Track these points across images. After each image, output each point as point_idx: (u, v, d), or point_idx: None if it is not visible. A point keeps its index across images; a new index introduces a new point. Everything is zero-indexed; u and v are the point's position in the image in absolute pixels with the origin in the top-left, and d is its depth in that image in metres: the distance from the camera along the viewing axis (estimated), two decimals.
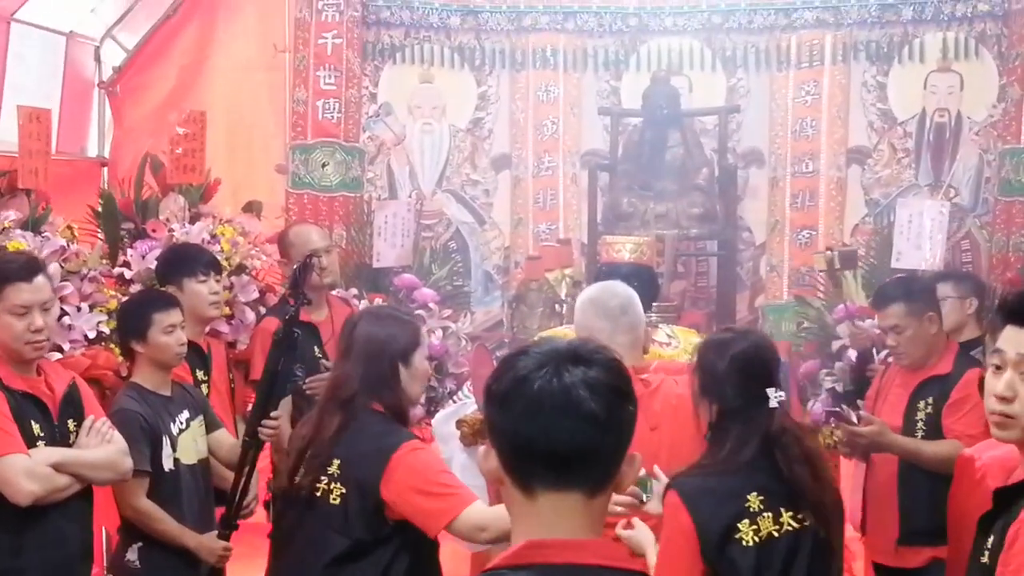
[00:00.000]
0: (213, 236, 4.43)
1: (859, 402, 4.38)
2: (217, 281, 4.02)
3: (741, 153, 5.98)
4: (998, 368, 2.10)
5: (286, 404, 3.71)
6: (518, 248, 6.11)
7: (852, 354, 4.60)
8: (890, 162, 5.89)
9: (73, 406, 3.11)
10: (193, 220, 4.49)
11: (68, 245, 4.01)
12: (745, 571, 2.42)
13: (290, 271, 3.92)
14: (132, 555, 3.36)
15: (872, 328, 4.50)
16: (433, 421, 4.07)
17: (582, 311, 3.22)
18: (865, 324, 4.56)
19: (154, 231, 4.37)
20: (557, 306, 5.24)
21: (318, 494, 2.81)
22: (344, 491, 2.79)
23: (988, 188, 5.67)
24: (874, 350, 4.50)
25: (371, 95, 5.99)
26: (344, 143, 5.69)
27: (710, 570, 2.41)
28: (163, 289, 3.87)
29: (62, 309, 3.68)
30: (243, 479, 3.37)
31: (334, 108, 5.67)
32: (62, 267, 3.87)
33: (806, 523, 2.52)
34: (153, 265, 4.16)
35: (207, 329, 4.12)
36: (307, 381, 4.03)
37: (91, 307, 3.96)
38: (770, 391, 2.52)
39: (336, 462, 2.81)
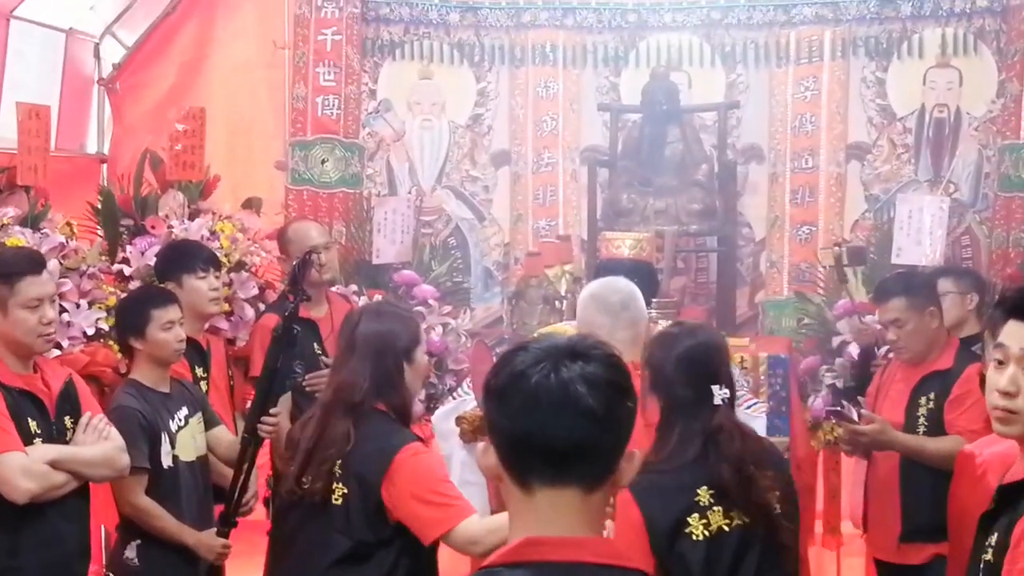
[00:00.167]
0: (212, 232, 4.44)
1: (860, 398, 4.38)
2: (216, 277, 4.02)
3: (741, 149, 5.97)
4: (1000, 363, 2.10)
5: (285, 401, 3.71)
6: (518, 244, 6.10)
7: (853, 350, 4.60)
8: (890, 158, 5.88)
9: (70, 403, 3.11)
10: (192, 217, 4.50)
11: (67, 242, 4.02)
12: (694, 565, 2.42)
13: (289, 268, 3.93)
14: (131, 553, 3.36)
15: (875, 324, 4.50)
16: (433, 418, 4.07)
17: (583, 306, 3.23)
18: (868, 320, 4.57)
19: (153, 228, 4.37)
20: (557, 302, 5.24)
21: (327, 497, 2.80)
22: (346, 491, 2.79)
23: (988, 184, 5.66)
24: (876, 348, 4.51)
25: (370, 91, 5.98)
26: (344, 139, 5.68)
27: (660, 564, 2.41)
28: (162, 286, 3.87)
29: (61, 306, 3.68)
30: (242, 476, 3.37)
31: (333, 104, 5.67)
32: (61, 264, 3.87)
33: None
34: (152, 262, 4.16)
35: (206, 326, 4.13)
36: (307, 378, 4.04)
37: (90, 304, 3.97)
38: (714, 388, 2.54)
39: (338, 462, 2.80)
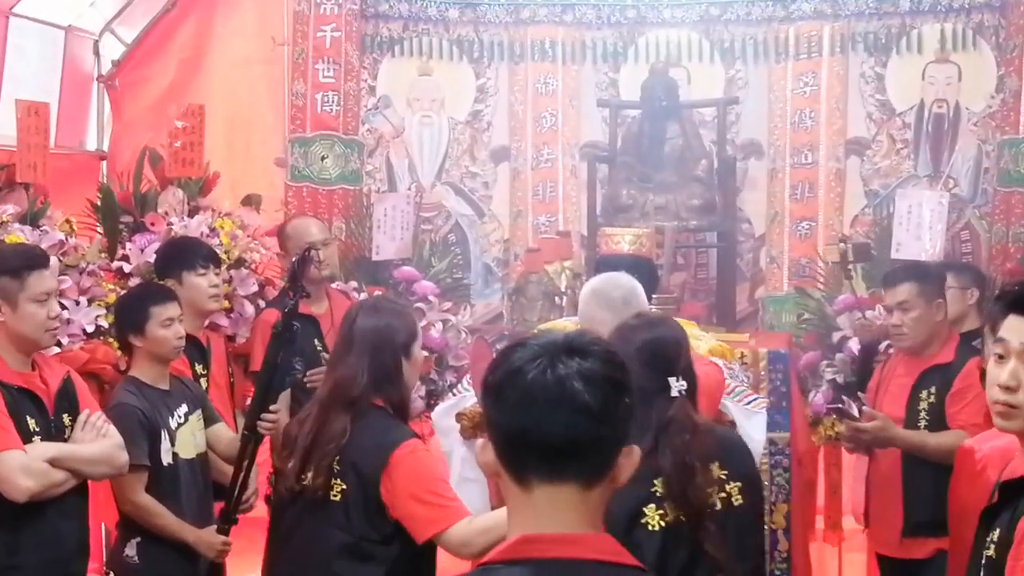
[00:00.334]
0: (212, 229, 4.44)
1: (860, 394, 4.38)
2: (216, 274, 4.02)
3: (740, 144, 5.97)
4: (1000, 357, 2.10)
5: (285, 397, 3.69)
6: (517, 240, 6.10)
7: (853, 345, 4.60)
8: (889, 153, 5.87)
9: (68, 400, 3.11)
10: (192, 213, 4.50)
11: (67, 239, 4.02)
12: (651, 555, 2.42)
13: (288, 264, 3.93)
14: (131, 550, 3.36)
15: (877, 319, 4.50)
16: (433, 414, 4.06)
17: (585, 302, 3.23)
18: (871, 315, 4.56)
19: (153, 225, 4.37)
20: (557, 298, 5.24)
21: (328, 493, 2.80)
22: (344, 487, 2.78)
23: (987, 179, 5.66)
24: (878, 343, 4.50)
25: (370, 88, 5.98)
26: (343, 136, 5.68)
27: None
28: (162, 283, 3.87)
29: (60, 303, 3.68)
30: (242, 473, 3.37)
31: (333, 101, 5.67)
32: (61, 261, 3.87)
33: (716, 508, 2.55)
34: (152, 259, 4.16)
35: (206, 323, 4.13)
36: (308, 374, 4.04)
37: (90, 301, 3.97)
38: (671, 380, 2.55)
39: (336, 457, 2.80)
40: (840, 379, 4.63)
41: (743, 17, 5.96)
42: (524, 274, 5.60)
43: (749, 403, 3.64)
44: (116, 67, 5.93)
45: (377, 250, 5.16)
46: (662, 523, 2.48)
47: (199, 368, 3.96)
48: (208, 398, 3.75)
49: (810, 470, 4.84)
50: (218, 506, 3.51)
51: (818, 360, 4.80)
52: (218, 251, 4.21)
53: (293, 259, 3.62)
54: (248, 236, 4.64)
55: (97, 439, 3.08)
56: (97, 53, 5.89)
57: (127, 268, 4.24)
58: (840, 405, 4.37)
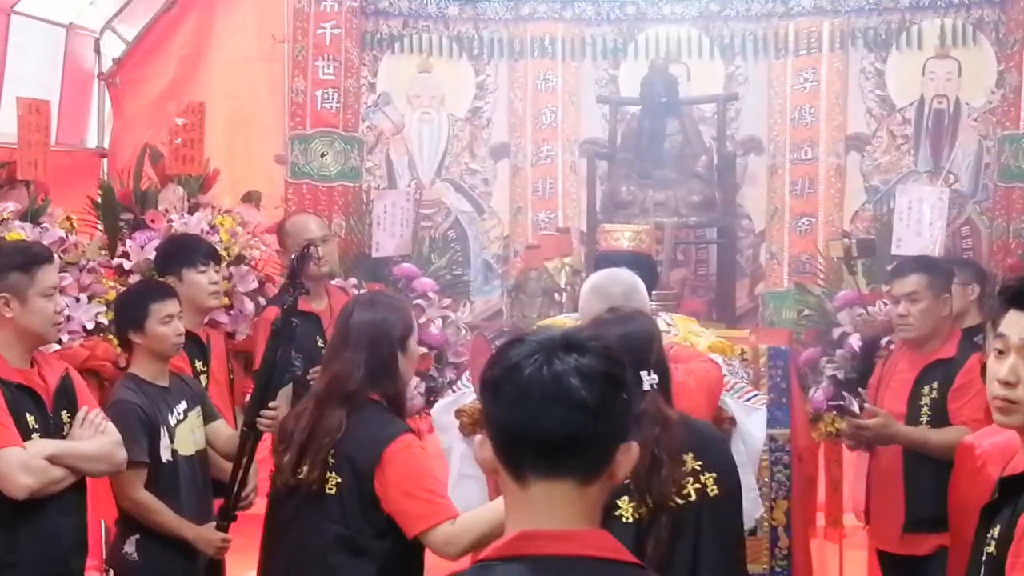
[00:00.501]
0: (212, 226, 4.44)
1: (861, 390, 4.37)
2: (216, 271, 4.03)
3: (740, 141, 5.96)
4: (1001, 353, 2.11)
5: (285, 394, 3.71)
6: (517, 237, 6.10)
7: (854, 341, 4.59)
8: (889, 149, 5.87)
9: (67, 397, 3.12)
10: (192, 210, 4.50)
11: (67, 236, 4.03)
12: (626, 547, 2.42)
13: (288, 261, 3.93)
14: (130, 547, 3.37)
15: (879, 315, 4.50)
16: (432, 411, 4.06)
17: (585, 298, 3.23)
18: (873, 311, 4.56)
19: (153, 222, 4.38)
20: (556, 295, 5.25)
21: (323, 487, 2.81)
22: (339, 480, 2.79)
23: (987, 174, 5.65)
24: (880, 339, 4.50)
25: (370, 85, 5.98)
26: (343, 133, 5.69)
27: None
28: (162, 279, 3.88)
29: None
30: (241, 470, 3.38)
31: (333, 98, 5.67)
32: (61, 258, 3.87)
33: (691, 499, 2.55)
34: (152, 256, 4.17)
35: (206, 319, 4.13)
36: (310, 372, 4.03)
37: (90, 298, 3.98)
38: (643, 374, 2.55)
39: (331, 451, 2.81)
40: (840, 375, 4.63)
41: (743, 13, 5.96)
42: (524, 271, 5.61)
43: (749, 399, 3.64)
44: (117, 65, 5.94)
45: (377, 247, 5.16)
46: (635, 515, 2.50)
47: (199, 365, 3.96)
48: (207, 395, 3.75)
49: (810, 466, 4.84)
50: (217, 503, 3.51)
51: (818, 356, 4.80)
52: (218, 248, 4.21)
53: (292, 256, 3.62)
54: (248, 233, 4.64)
55: (96, 436, 3.08)
56: (98, 51, 5.90)
57: (127, 265, 4.25)
58: (841, 402, 4.37)
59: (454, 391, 3.98)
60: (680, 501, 2.53)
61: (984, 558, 2.04)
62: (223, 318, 4.34)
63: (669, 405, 2.63)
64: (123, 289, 3.96)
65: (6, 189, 4.10)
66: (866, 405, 3.97)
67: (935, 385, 3.84)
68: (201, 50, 6.01)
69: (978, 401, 3.54)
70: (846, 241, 4.99)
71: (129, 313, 3.49)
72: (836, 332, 4.74)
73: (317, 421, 2.84)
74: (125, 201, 4.49)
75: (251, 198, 4.92)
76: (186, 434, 3.46)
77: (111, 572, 3.53)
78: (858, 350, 4.56)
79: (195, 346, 3.94)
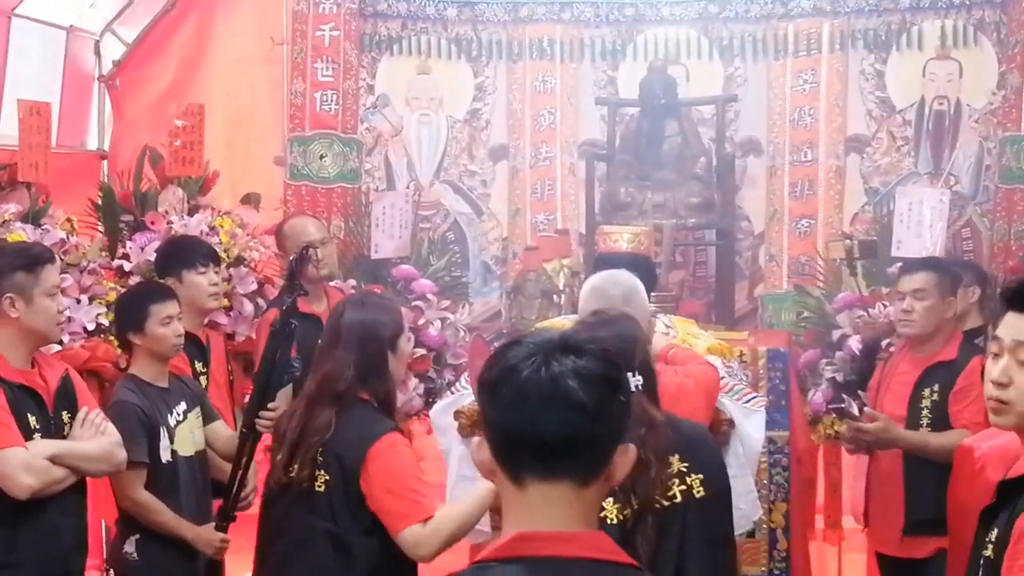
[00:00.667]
0: (212, 228, 4.45)
1: (860, 392, 4.37)
2: (216, 273, 4.03)
3: (739, 142, 5.97)
4: (996, 355, 2.12)
5: (285, 395, 3.70)
6: (516, 239, 6.11)
7: (853, 343, 4.59)
8: (889, 150, 5.87)
9: (67, 398, 3.13)
10: (192, 212, 4.51)
11: (68, 238, 4.04)
12: None
13: (287, 264, 3.94)
14: (130, 547, 3.38)
15: (880, 317, 4.50)
16: (431, 412, 4.06)
17: (584, 299, 3.23)
18: (875, 313, 4.56)
19: (153, 223, 4.39)
20: (555, 296, 5.25)
21: (313, 484, 2.84)
22: (328, 478, 2.83)
23: (988, 176, 5.65)
24: (880, 341, 4.50)
25: (368, 87, 5.99)
26: (342, 135, 5.69)
27: None
28: (162, 281, 3.88)
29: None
30: (241, 471, 3.38)
31: (332, 100, 5.67)
32: (62, 259, 3.88)
33: (676, 500, 2.55)
34: (152, 257, 4.17)
35: (206, 321, 4.14)
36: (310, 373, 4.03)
37: (90, 299, 3.99)
38: (628, 375, 2.55)
39: (320, 449, 2.84)
40: (839, 377, 4.62)
41: (742, 14, 5.96)
42: (522, 272, 5.61)
43: (748, 401, 3.64)
44: (117, 67, 5.94)
45: (376, 248, 5.16)
46: (620, 516, 2.50)
47: (199, 366, 3.97)
48: (207, 396, 3.76)
49: (809, 469, 4.84)
50: (217, 503, 3.52)
51: (817, 358, 4.79)
52: (218, 249, 4.21)
53: (291, 258, 3.62)
54: (247, 235, 4.65)
55: (96, 436, 3.10)
56: (98, 53, 5.90)
57: (127, 266, 4.25)
58: (841, 404, 4.36)
59: (453, 393, 3.98)
60: (665, 503, 2.53)
61: (982, 561, 2.04)
62: (223, 319, 4.35)
63: (655, 406, 2.63)
64: (123, 290, 3.97)
65: (7, 191, 4.11)
66: (866, 409, 3.96)
67: (936, 388, 3.84)
68: (200, 52, 6.01)
69: (979, 404, 3.51)
70: (847, 242, 4.98)
71: (129, 314, 3.49)
72: (835, 334, 4.74)
73: (308, 420, 2.87)
74: (125, 203, 4.49)
75: (250, 200, 4.92)
76: (186, 435, 3.47)
77: (111, 572, 3.54)
78: (858, 352, 4.56)
79: (195, 347, 3.94)
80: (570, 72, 6.11)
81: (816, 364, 4.79)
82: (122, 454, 3.15)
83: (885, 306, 4.52)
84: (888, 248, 4.88)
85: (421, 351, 4.77)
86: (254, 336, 4.39)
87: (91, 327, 3.93)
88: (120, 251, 4.33)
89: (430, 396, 4.75)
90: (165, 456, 3.38)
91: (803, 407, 4.74)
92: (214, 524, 3.46)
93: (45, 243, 3.76)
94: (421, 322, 4.81)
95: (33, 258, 3.10)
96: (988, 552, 2.02)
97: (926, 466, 3.74)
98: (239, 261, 4.50)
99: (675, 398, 3.09)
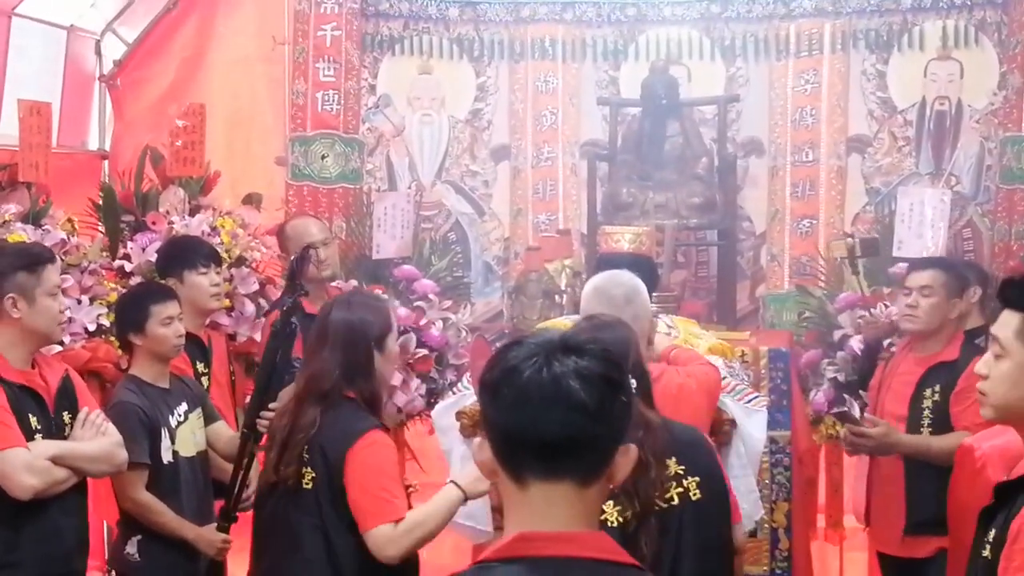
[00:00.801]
0: (213, 228, 4.44)
1: (862, 392, 4.37)
2: (217, 273, 4.03)
3: (741, 142, 5.96)
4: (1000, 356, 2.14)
5: (286, 395, 3.71)
6: (518, 239, 6.11)
7: (855, 343, 4.59)
8: (890, 150, 5.87)
9: (68, 398, 3.13)
10: (193, 212, 4.50)
11: (69, 238, 4.04)
12: None
13: (288, 264, 3.93)
14: (132, 548, 3.38)
15: (882, 317, 4.49)
16: (433, 413, 4.06)
17: (586, 300, 3.23)
18: (877, 313, 4.55)
19: (154, 224, 4.38)
20: (557, 297, 5.25)
21: (300, 481, 2.87)
22: (314, 475, 2.85)
23: (989, 176, 5.65)
24: (882, 341, 4.50)
25: (370, 87, 5.99)
26: (343, 135, 5.69)
27: None
28: (163, 282, 3.88)
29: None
30: (242, 471, 3.38)
31: (333, 100, 5.67)
32: (63, 260, 3.88)
33: (673, 503, 2.55)
34: (153, 258, 4.17)
35: (207, 321, 4.13)
36: None
37: (91, 300, 3.99)
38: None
39: (306, 446, 2.87)
40: (841, 377, 4.62)
41: (744, 15, 5.96)
42: (524, 272, 5.61)
43: (750, 401, 3.64)
44: (117, 67, 5.94)
45: (377, 249, 5.16)
46: (620, 519, 2.50)
47: (200, 367, 3.97)
48: (208, 396, 3.76)
49: (811, 468, 4.84)
50: (218, 504, 3.52)
51: (819, 358, 4.79)
52: (219, 250, 4.21)
53: (291, 258, 3.63)
54: (249, 235, 4.65)
55: (97, 437, 3.10)
56: (99, 53, 5.90)
57: (128, 267, 4.25)
58: (843, 408, 4.35)
59: (455, 393, 3.99)
60: (663, 505, 2.53)
61: (980, 562, 2.05)
62: (224, 320, 4.35)
63: (651, 409, 2.63)
64: (124, 291, 3.96)
65: (8, 191, 4.10)
66: (866, 416, 3.96)
67: (937, 388, 3.83)
68: (202, 52, 6.01)
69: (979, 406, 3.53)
70: (849, 240, 4.98)
71: (129, 315, 3.49)
72: (837, 334, 4.73)
73: (296, 419, 2.90)
74: (126, 203, 4.49)
75: (252, 200, 4.92)
76: (187, 435, 3.47)
77: (113, 573, 3.54)
78: (859, 352, 4.55)
79: (196, 348, 3.94)
80: (572, 72, 6.11)
81: (818, 364, 4.79)
82: (123, 455, 3.15)
83: (886, 306, 4.52)
84: (889, 248, 4.88)
85: (423, 351, 4.77)
86: (256, 337, 4.39)
87: (92, 328, 3.93)
88: (121, 251, 4.33)
89: (432, 396, 4.75)
90: (166, 457, 3.38)
91: (805, 407, 4.74)
92: (216, 525, 3.45)
93: (46, 243, 3.76)
94: (423, 322, 4.81)
95: (34, 258, 3.10)
96: (986, 553, 2.02)
97: (927, 466, 3.74)
98: (240, 261, 4.50)
99: (677, 398, 3.09)
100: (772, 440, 4.35)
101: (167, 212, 4.44)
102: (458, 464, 3.63)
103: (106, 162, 5.84)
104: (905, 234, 4.84)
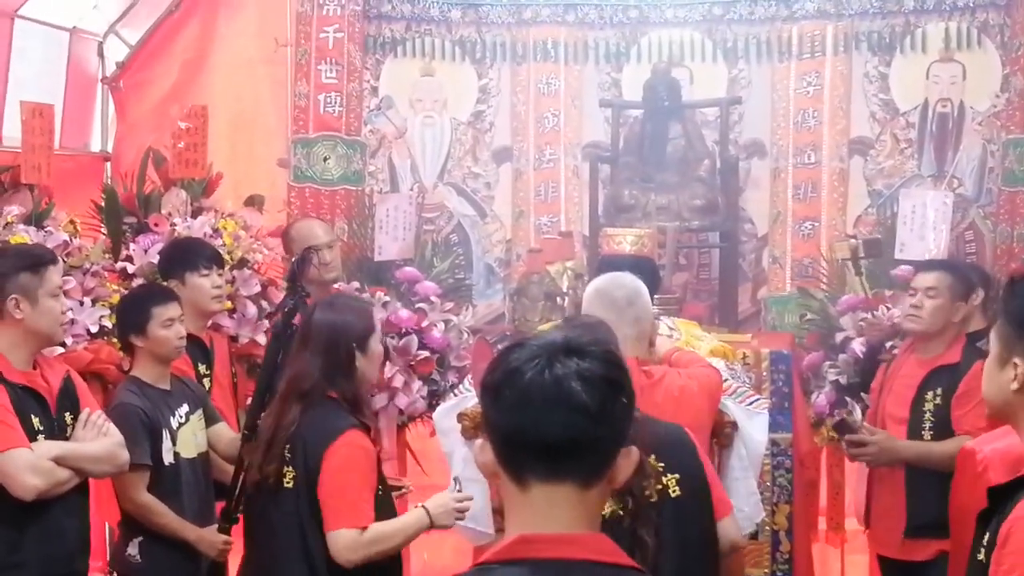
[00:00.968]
0: (215, 230, 4.44)
1: (863, 395, 4.37)
2: (219, 275, 4.03)
3: (743, 144, 5.96)
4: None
5: None
6: (519, 241, 6.11)
7: (856, 346, 4.58)
8: (893, 153, 5.86)
9: (69, 399, 3.13)
10: (195, 214, 4.50)
11: (71, 240, 4.04)
12: None
13: (289, 266, 3.94)
14: (133, 549, 3.38)
15: (883, 319, 4.49)
16: (435, 415, 4.06)
17: (588, 302, 3.23)
18: (879, 315, 4.55)
19: (156, 225, 4.38)
20: (559, 299, 5.24)
21: (280, 480, 2.92)
22: (294, 473, 2.90)
23: (992, 178, 5.65)
24: (884, 344, 4.49)
25: (372, 89, 5.99)
26: (345, 137, 5.69)
27: None
28: (166, 283, 3.88)
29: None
30: (243, 472, 3.38)
31: (335, 102, 5.67)
32: (65, 261, 3.88)
33: (652, 500, 2.56)
34: (155, 259, 4.17)
35: (209, 323, 4.14)
36: None
37: (93, 301, 3.98)
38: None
39: (287, 446, 2.92)
40: (843, 380, 4.62)
41: (746, 16, 5.96)
42: (526, 274, 5.60)
43: (751, 404, 3.64)
44: (120, 69, 5.95)
45: (379, 251, 5.16)
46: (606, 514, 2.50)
47: (202, 368, 3.97)
48: (209, 398, 3.76)
49: (812, 471, 4.84)
50: (219, 505, 3.51)
51: (821, 361, 4.79)
52: (221, 252, 4.21)
53: (292, 260, 3.64)
54: (251, 237, 4.65)
55: (98, 437, 3.10)
56: (101, 55, 5.91)
57: (131, 269, 4.25)
58: (843, 416, 4.35)
59: (456, 395, 3.99)
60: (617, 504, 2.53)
61: (976, 565, 2.05)
62: (226, 322, 4.35)
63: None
64: (126, 293, 3.97)
65: (10, 193, 4.10)
66: (865, 426, 3.96)
67: (939, 391, 3.83)
68: (204, 54, 6.01)
69: (981, 409, 3.48)
70: (853, 241, 4.98)
71: (130, 317, 3.50)
72: (839, 336, 4.73)
73: (279, 419, 2.95)
74: (128, 205, 4.49)
75: (254, 202, 4.92)
76: (188, 437, 3.47)
77: (115, 574, 3.54)
78: (861, 355, 4.55)
79: (199, 350, 3.95)
80: (574, 74, 6.10)
81: (819, 366, 4.79)
82: (125, 455, 3.16)
83: (888, 308, 4.51)
84: (891, 251, 4.88)
85: (424, 353, 4.77)
86: (258, 338, 4.39)
87: (94, 329, 3.93)
88: (123, 253, 4.33)
89: (433, 399, 4.74)
90: (167, 458, 3.38)
91: (806, 409, 4.74)
92: (217, 526, 3.46)
93: (48, 245, 3.76)
94: (424, 324, 4.81)
95: (37, 259, 3.11)
96: (981, 556, 2.03)
97: (927, 469, 3.74)
98: (243, 263, 4.50)
99: (679, 400, 3.09)
100: (773, 442, 4.35)
101: (169, 214, 4.44)
102: (460, 466, 3.63)
103: (108, 164, 5.85)
104: (907, 236, 4.83)
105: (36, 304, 3.04)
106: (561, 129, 6.11)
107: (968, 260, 5.32)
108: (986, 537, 2.02)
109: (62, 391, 3.12)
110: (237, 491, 3.39)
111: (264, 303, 4.53)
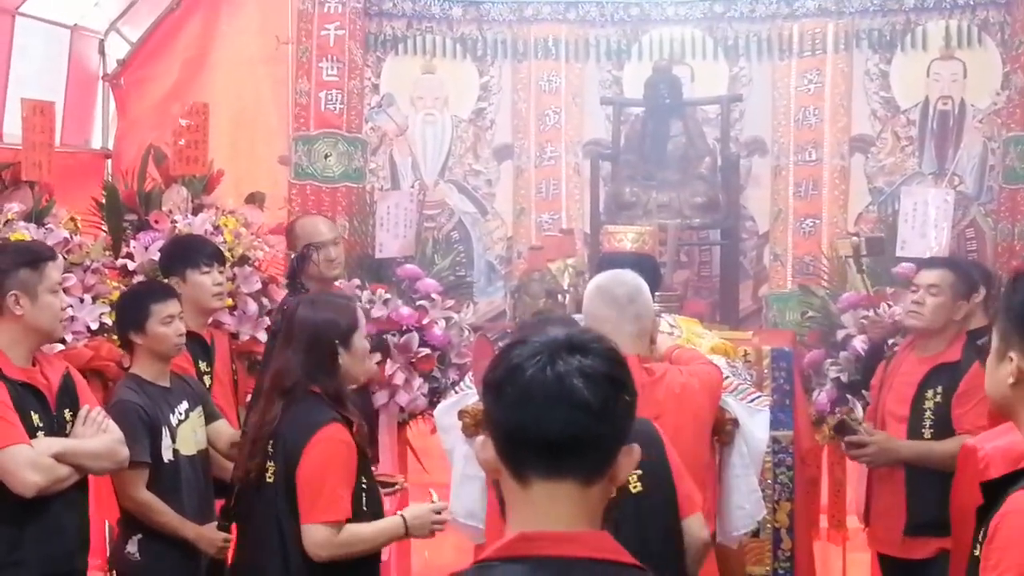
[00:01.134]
0: (216, 227, 4.44)
1: (864, 392, 4.36)
2: (220, 272, 4.03)
3: (744, 142, 5.96)
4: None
5: None
6: (520, 238, 6.11)
7: (858, 343, 4.58)
8: (893, 150, 5.87)
9: (69, 396, 3.13)
10: (196, 211, 4.50)
11: (71, 237, 4.04)
12: None
13: (289, 263, 3.94)
14: (132, 547, 3.38)
15: (886, 316, 4.49)
16: (435, 412, 4.06)
17: (589, 299, 3.23)
18: (881, 313, 4.55)
19: (157, 222, 4.38)
20: (559, 296, 5.24)
21: (263, 475, 2.94)
22: (276, 468, 2.92)
23: (993, 176, 5.65)
24: (886, 341, 4.49)
25: (373, 86, 5.99)
26: (347, 134, 5.69)
27: None
28: (166, 280, 3.88)
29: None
30: None
31: (336, 99, 5.67)
32: (65, 258, 3.88)
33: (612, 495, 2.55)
34: (156, 257, 4.17)
35: (210, 320, 4.13)
36: None
37: (94, 298, 3.98)
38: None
39: (270, 441, 2.94)
40: (844, 377, 4.61)
41: (747, 14, 5.96)
42: (527, 272, 5.60)
43: (752, 401, 3.63)
44: (121, 66, 5.95)
45: (380, 248, 5.16)
46: None
47: (203, 365, 3.97)
48: (209, 395, 3.76)
49: (813, 468, 4.83)
50: (219, 503, 3.51)
51: (822, 358, 4.78)
52: (222, 249, 4.21)
53: (292, 256, 3.64)
54: (252, 234, 4.64)
55: (98, 434, 3.10)
56: (102, 52, 5.90)
57: (131, 266, 4.25)
58: (844, 416, 4.34)
59: (457, 392, 3.98)
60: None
61: (972, 560, 2.05)
62: (227, 319, 4.34)
63: None
64: (124, 290, 3.97)
65: (11, 190, 4.10)
66: (863, 426, 3.95)
67: (939, 389, 3.83)
68: (205, 51, 6.01)
69: (981, 408, 3.51)
70: (855, 239, 4.98)
71: (130, 314, 3.49)
72: (840, 334, 4.73)
73: (262, 417, 2.97)
74: (129, 202, 4.49)
75: (255, 199, 4.92)
76: (188, 434, 3.47)
77: (114, 572, 3.54)
78: (862, 352, 4.55)
79: (199, 347, 3.94)
80: (575, 72, 6.10)
81: (820, 364, 4.78)
82: (125, 451, 3.16)
83: (890, 306, 4.51)
84: (893, 248, 4.88)
85: (425, 351, 4.77)
86: (258, 336, 4.39)
87: (94, 326, 3.93)
88: (124, 250, 4.33)
89: (434, 396, 4.75)
90: (167, 455, 3.38)
91: (807, 407, 4.74)
92: (216, 523, 3.46)
93: (49, 242, 3.76)
94: (425, 321, 4.81)
95: (36, 255, 3.11)
96: (976, 551, 2.03)
97: (927, 467, 3.73)
98: (243, 260, 4.50)
99: (680, 398, 3.09)
100: (775, 440, 4.35)
101: (170, 211, 4.44)
102: (461, 463, 3.63)
103: (109, 161, 5.85)
104: (908, 234, 4.83)
105: (36, 300, 3.04)
106: (562, 126, 6.11)
107: (969, 258, 5.32)
108: (982, 532, 2.02)
109: (62, 388, 3.12)
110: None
111: (265, 300, 4.53)
